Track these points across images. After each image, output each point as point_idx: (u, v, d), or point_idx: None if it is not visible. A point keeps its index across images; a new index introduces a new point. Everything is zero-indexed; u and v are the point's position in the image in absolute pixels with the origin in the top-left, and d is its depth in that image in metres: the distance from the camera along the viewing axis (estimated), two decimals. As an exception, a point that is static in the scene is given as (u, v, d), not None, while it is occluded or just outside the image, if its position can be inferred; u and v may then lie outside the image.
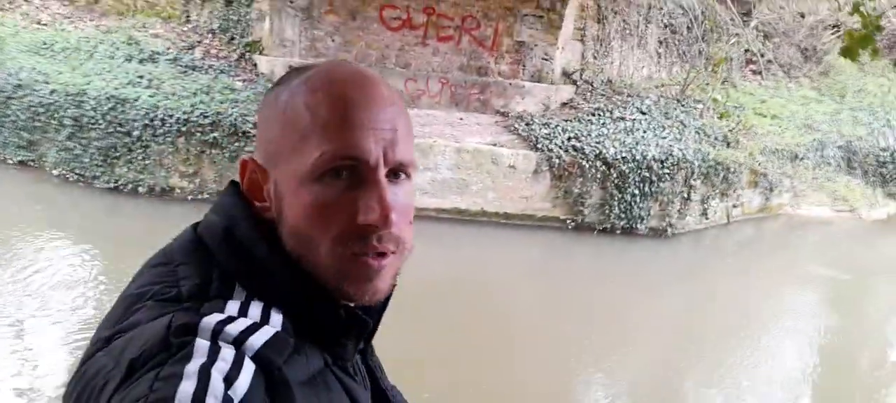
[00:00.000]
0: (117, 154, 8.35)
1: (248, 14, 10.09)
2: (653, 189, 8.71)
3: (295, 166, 0.77)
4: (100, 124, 8.29)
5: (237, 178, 0.84)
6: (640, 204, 8.70)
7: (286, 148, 0.78)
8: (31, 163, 8.74)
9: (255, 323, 0.71)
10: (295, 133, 0.77)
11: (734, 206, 9.60)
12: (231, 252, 0.77)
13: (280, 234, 0.78)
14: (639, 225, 8.75)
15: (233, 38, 10.15)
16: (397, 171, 0.79)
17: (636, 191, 8.66)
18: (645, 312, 7.31)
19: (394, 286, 0.83)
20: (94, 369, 0.68)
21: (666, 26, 11.19)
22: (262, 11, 9.91)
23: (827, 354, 6.65)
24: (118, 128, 8.29)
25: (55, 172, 8.50)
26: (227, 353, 0.65)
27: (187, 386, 0.61)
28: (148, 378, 0.62)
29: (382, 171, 0.77)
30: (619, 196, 8.67)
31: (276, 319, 0.73)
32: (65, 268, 6.66)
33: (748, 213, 9.76)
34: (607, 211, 8.68)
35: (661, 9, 11.03)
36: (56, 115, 8.41)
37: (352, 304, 0.81)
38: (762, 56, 11.98)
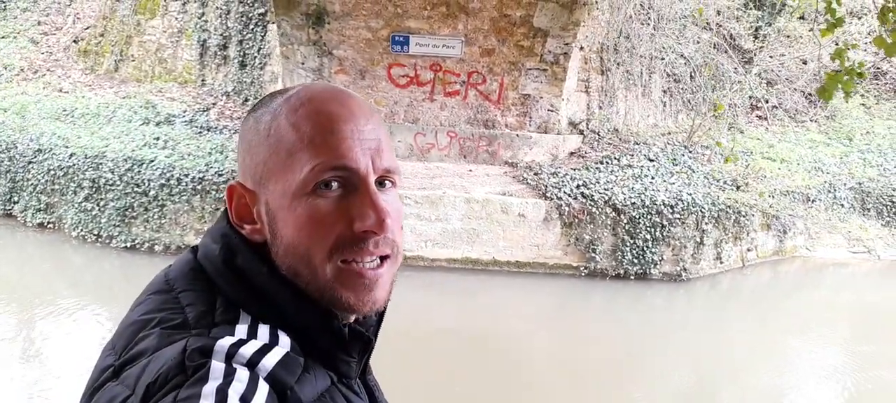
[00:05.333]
0: (134, 213, 8.51)
1: (261, 76, 10.44)
2: (664, 233, 8.69)
3: (286, 183, 0.79)
4: (117, 185, 8.49)
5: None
6: (653, 249, 8.67)
7: (275, 167, 0.80)
8: (50, 225, 8.91)
9: (265, 345, 0.74)
10: (282, 151, 0.80)
11: (749, 250, 9.51)
12: (233, 279, 0.80)
13: (274, 254, 0.81)
14: (652, 271, 8.69)
15: (246, 100, 10.47)
16: (383, 180, 0.83)
17: (648, 236, 8.64)
18: (662, 358, 7.17)
19: (389, 299, 0.85)
20: (106, 399, 0.70)
21: (669, 76, 11.39)
22: (274, 73, 10.24)
23: None
24: (135, 189, 8.48)
25: (73, 233, 8.65)
26: (242, 374, 0.68)
27: None
28: (166, 400, 0.65)
29: (372, 179, 0.80)
30: (631, 241, 8.65)
31: (285, 340, 0.76)
32: (79, 329, 6.71)
33: (763, 256, 9.66)
34: (620, 257, 8.65)
35: (664, 59, 11.24)
36: (75, 178, 8.64)
37: (352, 318, 0.84)
38: (766, 102, 12.09)
